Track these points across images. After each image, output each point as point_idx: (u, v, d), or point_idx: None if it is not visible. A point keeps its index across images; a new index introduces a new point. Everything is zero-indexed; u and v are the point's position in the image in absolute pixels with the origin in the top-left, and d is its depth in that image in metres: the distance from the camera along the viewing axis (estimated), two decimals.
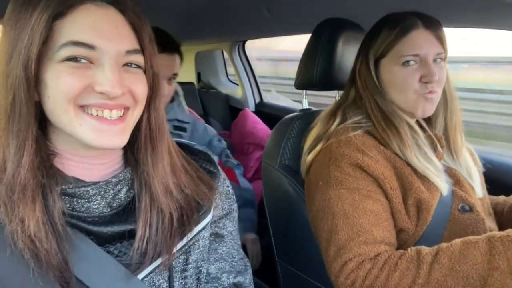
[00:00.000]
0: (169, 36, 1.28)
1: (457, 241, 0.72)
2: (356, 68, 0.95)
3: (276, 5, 1.39)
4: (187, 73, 2.76)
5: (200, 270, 0.65)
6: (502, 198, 1.02)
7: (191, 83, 2.64)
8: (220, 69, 2.83)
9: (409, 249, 0.75)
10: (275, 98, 2.76)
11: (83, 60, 0.50)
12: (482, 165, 0.98)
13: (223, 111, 2.63)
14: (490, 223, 0.89)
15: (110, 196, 0.56)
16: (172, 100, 1.54)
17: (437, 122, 0.95)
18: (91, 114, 0.51)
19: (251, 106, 2.52)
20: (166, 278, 0.60)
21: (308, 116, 1.15)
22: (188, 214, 0.61)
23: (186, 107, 1.63)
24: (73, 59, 0.49)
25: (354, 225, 0.78)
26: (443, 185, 0.84)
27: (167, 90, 1.30)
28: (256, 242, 1.46)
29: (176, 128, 1.51)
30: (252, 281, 0.74)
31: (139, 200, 0.58)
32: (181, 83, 1.83)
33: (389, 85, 0.90)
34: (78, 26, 0.49)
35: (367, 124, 0.90)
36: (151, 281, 0.58)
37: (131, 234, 0.57)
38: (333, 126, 0.93)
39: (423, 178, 0.84)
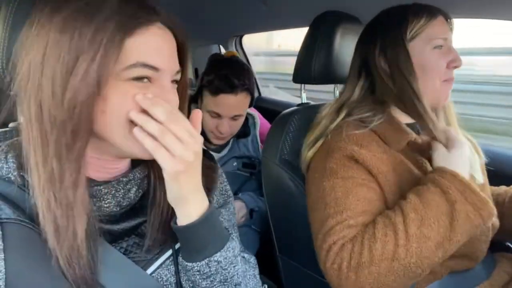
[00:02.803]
0: (234, 77, 1.24)
1: (411, 195, 0.76)
2: (373, 58, 0.91)
3: None
4: None
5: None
6: (503, 188, 1.02)
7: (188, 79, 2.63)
8: None
9: (377, 218, 0.77)
10: (273, 93, 2.75)
11: (145, 80, 0.52)
12: (484, 156, 0.98)
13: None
14: None
15: (121, 195, 0.57)
16: (248, 133, 1.46)
17: (440, 114, 0.95)
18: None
19: None
20: (173, 273, 0.61)
21: (307, 110, 1.15)
22: None
23: (260, 143, 1.51)
24: (138, 78, 0.51)
25: (343, 211, 0.79)
26: None
27: (227, 127, 1.28)
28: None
29: (245, 165, 1.44)
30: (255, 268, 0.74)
31: (148, 191, 0.60)
32: None
33: (419, 69, 0.87)
34: (145, 47, 0.51)
35: (377, 121, 0.88)
36: (158, 277, 0.60)
37: (140, 229, 0.59)
38: (335, 123, 0.92)
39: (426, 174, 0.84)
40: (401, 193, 0.83)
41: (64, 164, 0.49)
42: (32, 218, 0.50)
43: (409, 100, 0.86)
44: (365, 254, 0.73)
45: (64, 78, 0.47)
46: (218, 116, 1.27)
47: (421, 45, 0.87)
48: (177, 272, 0.61)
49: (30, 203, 0.50)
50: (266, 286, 0.80)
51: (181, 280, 0.62)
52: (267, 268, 1.27)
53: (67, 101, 0.47)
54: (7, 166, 0.52)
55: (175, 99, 0.55)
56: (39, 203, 0.48)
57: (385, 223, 0.74)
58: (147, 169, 0.62)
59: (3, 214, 0.49)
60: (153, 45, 0.52)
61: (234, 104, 1.25)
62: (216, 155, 1.36)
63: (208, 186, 0.66)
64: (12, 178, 0.51)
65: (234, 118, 1.29)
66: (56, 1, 0.48)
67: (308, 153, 0.94)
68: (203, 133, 1.33)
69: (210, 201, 0.60)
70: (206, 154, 0.74)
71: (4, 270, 0.46)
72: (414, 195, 0.76)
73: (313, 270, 1.05)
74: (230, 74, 1.23)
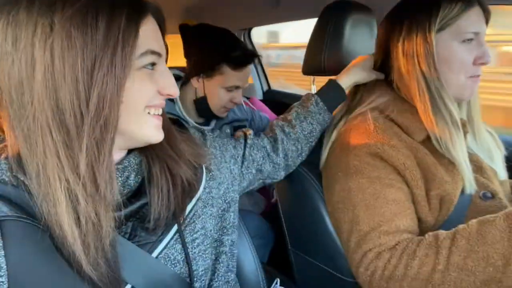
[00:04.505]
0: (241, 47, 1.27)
1: (473, 221, 0.70)
2: (394, 44, 0.86)
3: None
4: None
5: (214, 239, 0.69)
6: None
7: None
8: None
9: (426, 235, 0.73)
10: (283, 87, 2.74)
11: (150, 67, 0.54)
12: (505, 149, 0.95)
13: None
14: None
15: (120, 183, 0.57)
16: None
17: (462, 105, 0.91)
18: (150, 114, 0.56)
19: (259, 94, 2.50)
20: (180, 251, 0.62)
21: None
22: (191, 178, 0.66)
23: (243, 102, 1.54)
24: (147, 66, 0.54)
25: (376, 215, 0.77)
26: (472, 182, 0.81)
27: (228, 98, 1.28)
28: None
29: (236, 128, 1.46)
30: None
31: (149, 175, 0.60)
32: None
33: (444, 62, 0.82)
34: (149, 35, 0.53)
35: (393, 107, 0.85)
36: (166, 257, 0.60)
37: (142, 211, 0.59)
38: (353, 112, 0.90)
39: (447, 167, 0.81)
40: (426, 188, 0.81)
41: (97, 161, 0.49)
42: (30, 214, 0.50)
43: (423, 99, 0.82)
44: (400, 268, 0.71)
45: (88, 76, 0.47)
46: (236, 88, 1.28)
47: (449, 37, 0.82)
48: (185, 249, 0.62)
49: (30, 202, 0.49)
50: (278, 280, 0.80)
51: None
52: (279, 261, 1.27)
53: (95, 97, 0.47)
54: (0, 168, 0.51)
55: (174, 81, 0.58)
56: (61, 210, 0.48)
57: (430, 243, 0.71)
58: (143, 154, 0.62)
59: (0, 212, 0.48)
60: (154, 33, 0.55)
61: (249, 71, 1.29)
62: (206, 128, 1.36)
63: (197, 161, 0.69)
64: (6, 179, 0.51)
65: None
66: (52, 5, 0.47)
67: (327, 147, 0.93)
68: (205, 108, 1.32)
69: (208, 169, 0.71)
70: (199, 130, 0.79)
71: (5, 266, 0.46)
72: (476, 223, 0.69)
73: (325, 263, 1.04)
74: (243, 45, 1.28)
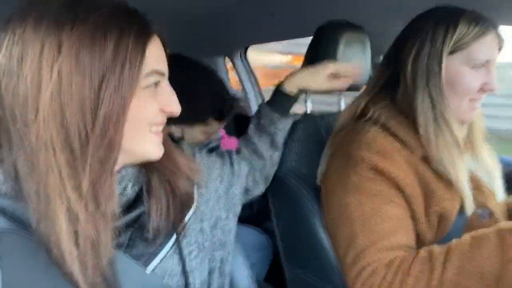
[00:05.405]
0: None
1: (466, 236, 0.71)
2: (405, 62, 0.85)
3: (279, 8, 1.39)
4: None
5: (207, 253, 0.68)
6: None
7: None
8: (223, 77, 2.83)
9: (421, 250, 0.73)
10: None
11: (154, 85, 0.55)
12: (502, 167, 0.95)
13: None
14: None
15: (118, 193, 0.56)
16: None
17: (463, 126, 0.90)
18: (151, 131, 0.56)
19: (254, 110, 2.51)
20: (177, 263, 0.61)
21: (311, 120, 1.15)
22: (189, 190, 0.66)
23: None
24: (151, 85, 0.54)
25: (373, 231, 0.77)
26: (471, 202, 0.81)
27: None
28: None
29: None
30: None
31: (147, 186, 0.60)
32: None
33: (450, 84, 0.81)
34: (155, 55, 0.54)
35: (394, 123, 0.85)
36: (163, 269, 0.59)
37: (139, 221, 0.59)
38: (352, 123, 0.89)
39: (447, 185, 0.81)
40: (426, 205, 0.80)
41: (99, 180, 0.48)
42: (27, 226, 0.49)
43: (425, 118, 0.81)
44: (395, 285, 0.71)
45: (95, 95, 0.47)
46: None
47: (459, 61, 0.81)
48: (182, 261, 0.61)
49: (27, 215, 0.48)
50: None
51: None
52: (272, 276, 1.26)
53: (101, 116, 0.47)
54: None
55: (176, 99, 0.58)
56: (60, 229, 0.47)
57: (424, 259, 0.71)
58: (141, 165, 0.61)
59: None
60: (159, 52, 0.55)
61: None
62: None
63: (195, 179, 0.69)
64: (3, 191, 0.50)
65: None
66: (61, 24, 0.46)
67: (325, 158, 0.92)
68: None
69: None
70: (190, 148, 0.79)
71: (0, 280, 0.46)
72: (468, 238, 0.70)
73: (321, 279, 1.03)
74: (229, 92, 1.19)
